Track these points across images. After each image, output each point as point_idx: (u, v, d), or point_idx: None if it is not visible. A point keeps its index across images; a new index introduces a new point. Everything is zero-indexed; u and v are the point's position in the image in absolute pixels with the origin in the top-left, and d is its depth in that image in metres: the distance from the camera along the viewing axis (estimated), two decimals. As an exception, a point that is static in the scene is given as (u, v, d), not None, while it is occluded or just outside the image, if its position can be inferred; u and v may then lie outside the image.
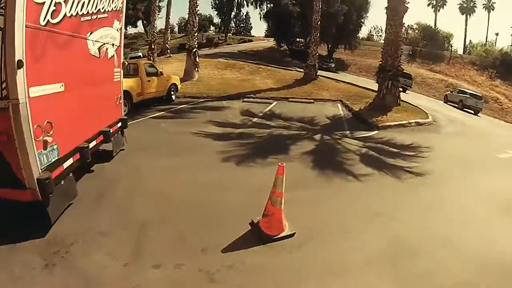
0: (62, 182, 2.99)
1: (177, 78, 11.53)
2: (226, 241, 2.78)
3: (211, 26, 46.85)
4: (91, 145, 3.72)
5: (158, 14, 22.67)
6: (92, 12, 3.53)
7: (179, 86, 11.36)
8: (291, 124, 8.46)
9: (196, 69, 15.63)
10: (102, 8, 3.84)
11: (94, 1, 3.52)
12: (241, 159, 5.20)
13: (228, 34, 45.02)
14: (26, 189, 2.53)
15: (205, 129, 7.15)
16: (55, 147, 2.86)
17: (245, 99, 11.98)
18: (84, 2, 3.27)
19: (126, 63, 9.82)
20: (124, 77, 9.12)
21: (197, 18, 15.73)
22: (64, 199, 3.02)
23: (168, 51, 21.81)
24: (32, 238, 2.61)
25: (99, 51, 3.93)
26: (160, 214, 3.24)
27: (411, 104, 12.64)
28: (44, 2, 2.55)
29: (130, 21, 31.37)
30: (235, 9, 38.89)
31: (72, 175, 3.25)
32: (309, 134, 7.66)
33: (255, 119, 8.74)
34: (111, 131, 4.33)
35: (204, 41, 33.72)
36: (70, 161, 3.15)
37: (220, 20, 41.42)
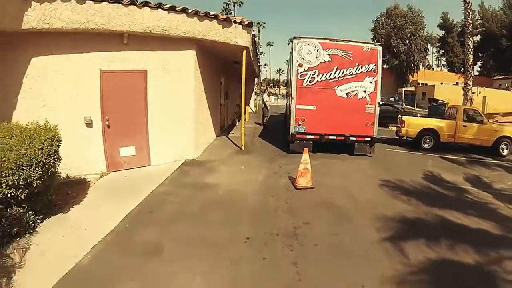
0: (304, 141, 7.81)
1: None
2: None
3: None
4: (331, 137, 7.98)
5: None
6: (338, 76, 7.95)
7: None
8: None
9: None
10: (349, 73, 8.01)
11: (340, 71, 7.93)
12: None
13: None
14: (289, 134, 7.95)
15: (447, 176, 7.05)
16: (304, 127, 7.85)
17: None
18: (331, 73, 7.90)
19: (450, 107, 11.26)
20: (441, 118, 10.93)
21: None
22: (301, 147, 7.71)
23: None
24: (282, 150, 8.05)
25: (347, 95, 8.07)
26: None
27: None
28: (304, 79, 7.79)
29: None
30: None
31: (312, 142, 7.88)
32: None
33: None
34: (353, 138, 8.07)
35: None
36: (311, 136, 7.90)
37: None
